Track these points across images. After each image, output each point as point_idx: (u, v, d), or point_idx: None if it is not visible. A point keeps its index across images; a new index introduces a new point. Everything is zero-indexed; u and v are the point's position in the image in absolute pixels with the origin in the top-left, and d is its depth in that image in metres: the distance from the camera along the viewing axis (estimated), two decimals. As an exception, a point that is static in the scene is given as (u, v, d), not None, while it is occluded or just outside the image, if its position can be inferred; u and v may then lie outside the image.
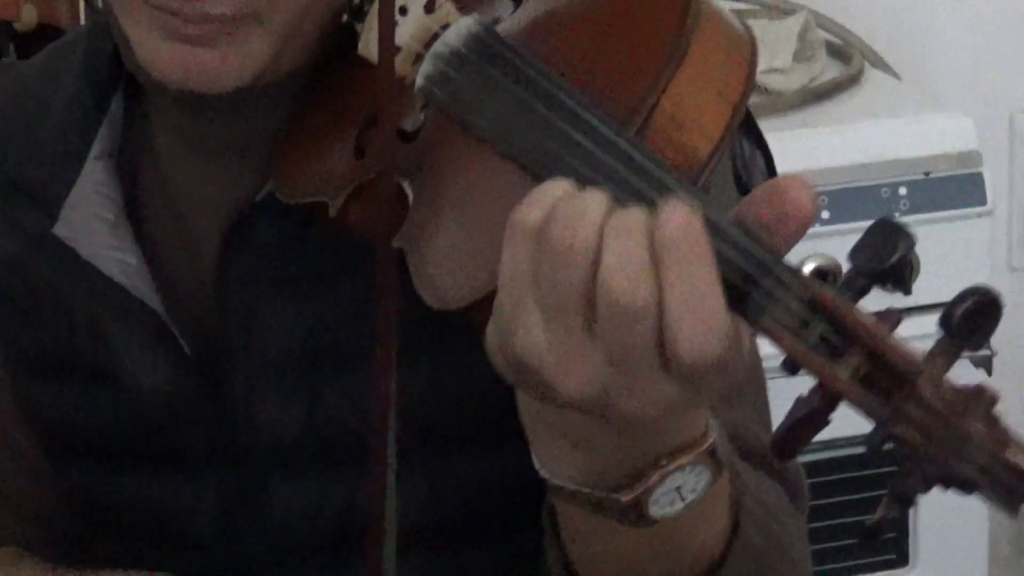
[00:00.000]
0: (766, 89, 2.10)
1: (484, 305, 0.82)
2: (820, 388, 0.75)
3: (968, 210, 1.98)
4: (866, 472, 1.97)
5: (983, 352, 1.91)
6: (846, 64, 2.20)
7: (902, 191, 1.97)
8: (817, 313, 0.75)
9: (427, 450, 1.02)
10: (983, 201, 1.99)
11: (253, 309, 1.03)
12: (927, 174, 1.98)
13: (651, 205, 0.77)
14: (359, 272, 0.98)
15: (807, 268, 1.90)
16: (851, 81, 2.15)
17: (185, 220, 1.07)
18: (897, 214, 1.95)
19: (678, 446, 0.83)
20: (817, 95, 2.11)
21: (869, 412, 0.74)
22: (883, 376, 0.74)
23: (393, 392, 0.89)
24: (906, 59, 2.33)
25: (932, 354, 0.75)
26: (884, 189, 1.97)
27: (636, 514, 0.83)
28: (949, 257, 1.97)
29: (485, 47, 0.88)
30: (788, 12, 2.24)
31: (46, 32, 1.92)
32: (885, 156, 1.98)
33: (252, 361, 1.03)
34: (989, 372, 1.96)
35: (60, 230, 1.06)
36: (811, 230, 2.11)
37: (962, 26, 2.39)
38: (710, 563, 0.91)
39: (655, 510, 0.83)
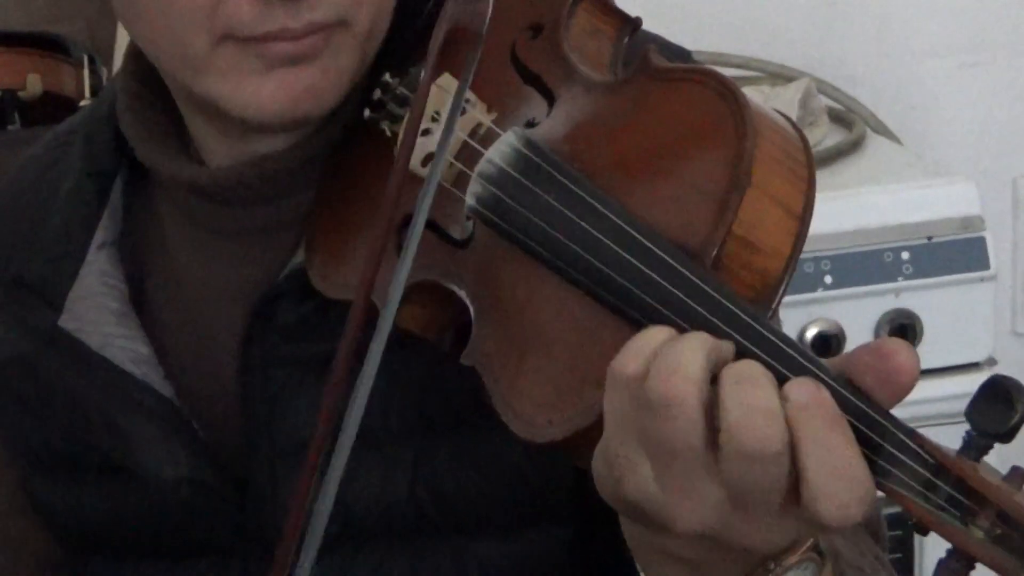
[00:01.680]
0: (768, 155, 2.10)
1: (576, 440, 0.82)
2: (956, 550, 0.76)
3: (971, 274, 1.98)
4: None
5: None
6: (848, 130, 2.20)
7: (905, 256, 1.97)
8: (941, 476, 0.76)
9: (450, 528, 1.02)
10: (986, 265, 1.99)
11: (276, 394, 1.02)
12: (930, 239, 1.98)
13: (723, 337, 0.78)
14: (386, 352, 0.98)
15: (809, 334, 1.90)
16: (853, 147, 2.15)
17: (196, 307, 1.07)
18: (900, 279, 1.95)
19: (784, 547, 0.82)
20: (819, 161, 2.11)
21: (1007, 573, 0.75)
22: (1018, 535, 0.74)
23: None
24: (908, 125, 2.34)
25: None
26: (887, 254, 1.97)
27: None
28: (952, 322, 1.96)
29: (533, 168, 0.87)
30: (790, 79, 2.25)
31: (51, 101, 1.93)
32: (888, 221, 1.98)
33: (276, 446, 1.02)
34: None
35: (67, 322, 1.06)
36: (814, 294, 2.12)
37: (964, 92, 2.39)
38: None
39: None
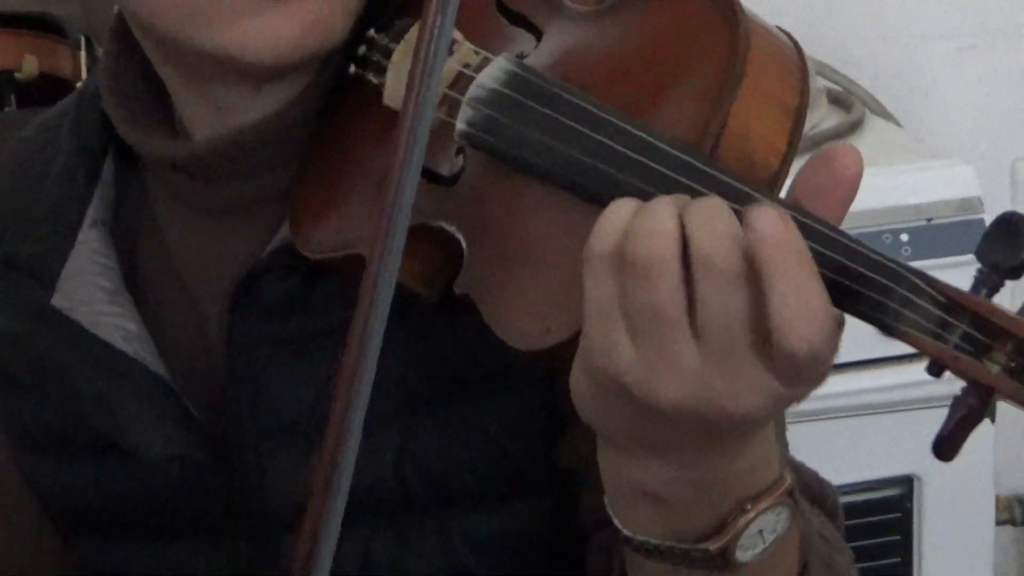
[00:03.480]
0: (767, 136, 2.10)
1: (571, 344, 0.82)
2: (972, 386, 0.77)
3: (970, 256, 1.97)
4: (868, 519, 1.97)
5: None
6: (847, 112, 2.20)
7: (904, 237, 1.96)
8: (955, 313, 0.76)
9: (434, 503, 1.02)
10: (985, 248, 1.99)
11: (261, 372, 1.02)
12: (929, 221, 1.98)
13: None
14: None
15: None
16: (852, 129, 2.15)
17: (188, 285, 1.07)
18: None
19: (760, 490, 0.83)
20: (818, 143, 2.11)
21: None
22: None
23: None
24: (907, 107, 2.34)
25: None
26: (886, 235, 1.97)
27: (723, 561, 0.83)
28: (951, 304, 1.96)
29: (525, 83, 0.88)
30: (789, 60, 2.25)
31: (47, 82, 1.93)
32: (887, 203, 1.98)
33: (261, 424, 1.03)
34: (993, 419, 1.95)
35: (59, 301, 1.06)
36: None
37: (964, 74, 2.39)
38: None
39: (740, 554, 0.83)
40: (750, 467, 0.83)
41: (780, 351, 0.75)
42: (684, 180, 0.81)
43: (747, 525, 0.83)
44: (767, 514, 0.83)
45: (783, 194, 0.82)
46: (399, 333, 0.98)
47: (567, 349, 0.83)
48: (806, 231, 0.77)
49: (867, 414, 1.98)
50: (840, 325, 0.78)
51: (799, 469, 1.02)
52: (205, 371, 1.05)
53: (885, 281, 0.77)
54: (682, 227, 0.77)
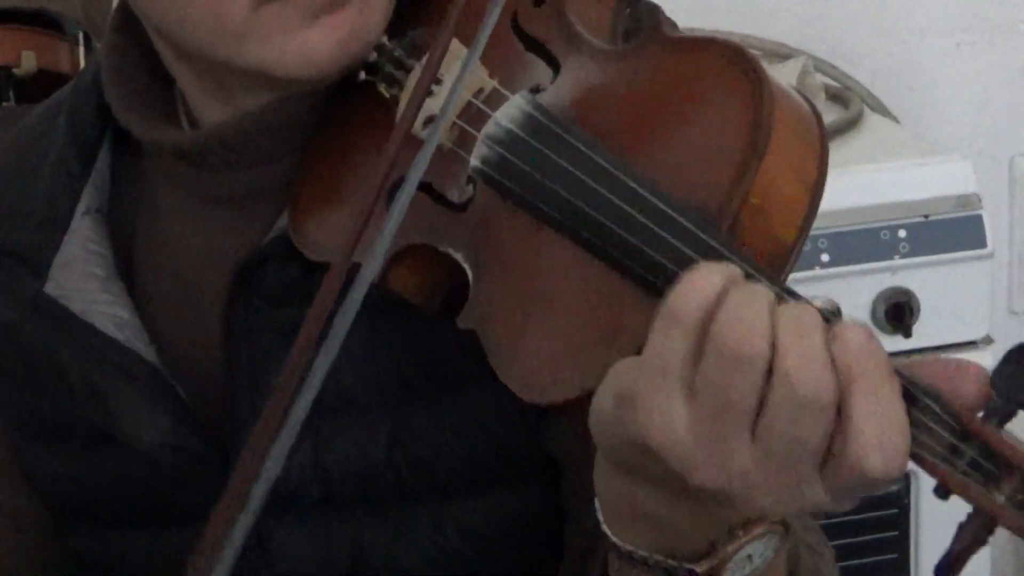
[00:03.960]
0: (765, 133, 2.10)
1: (579, 402, 0.81)
2: (977, 513, 0.76)
3: (968, 252, 1.98)
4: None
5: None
6: (845, 108, 2.20)
7: (902, 234, 1.96)
8: (966, 440, 0.76)
9: (426, 491, 1.03)
10: (983, 244, 1.99)
11: (260, 361, 1.02)
12: (926, 217, 1.98)
13: None
14: (366, 316, 0.99)
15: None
16: (850, 125, 2.15)
17: (185, 274, 1.07)
18: (896, 257, 1.95)
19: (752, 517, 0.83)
20: (817, 139, 2.11)
21: None
22: None
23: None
24: (905, 103, 2.34)
25: None
26: (884, 232, 1.97)
27: None
28: (949, 300, 1.96)
29: (542, 129, 0.87)
30: (787, 56, 2.25)
31: (46, 78, 1.93)
32: (885, 199, 1.98)
33: (258, 413, 1.02)
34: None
35: (51, 289, 1.06)
36: (811, 272, 2.11)
37: (962, 71, 2.39)
38: None
39: None
40: None
41: (857, 470, 0.74)
42: (694, 255, 0.79)
43: (736, 551, 0.82)
44: (757, 541, 0.83)
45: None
46: (389, 323, 0.98)
47: (573, 406, 0.82)
48: None
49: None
50: None
51: None
52: (201, 360, 1.05)
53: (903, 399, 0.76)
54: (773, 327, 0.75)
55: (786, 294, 0.78)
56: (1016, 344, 0.77)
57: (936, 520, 1.97)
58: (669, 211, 0.81)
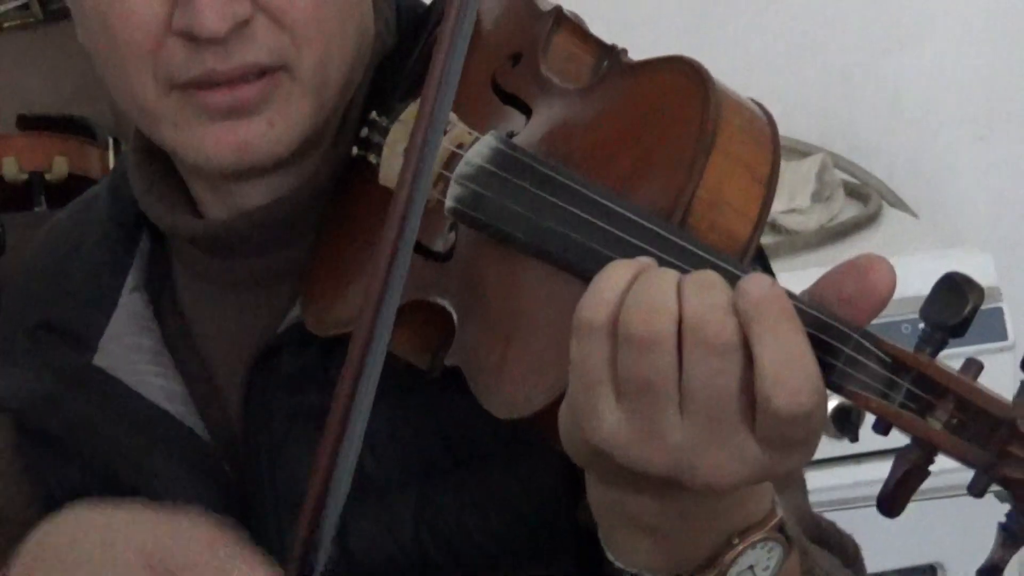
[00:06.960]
0: (785, 229, 2.12)
1: (553, 409, 0.84)
2: (916, 443, 0.78)
3: (989, 345, 1.98)
4: None
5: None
6: (864, 204, 2.22)
7: (923, 327, 1.97)
8: (900, 372, 0.78)
9: (453, 569, 1.03)
10: (1004, 336, 2.00)
11: (278, 445, 1.04)
12: (947, 310, 1.98)
13: None
14: (382, 400, 1.00)
15: (830, 404, 1.90)
16: (869, 220, 2.16)
17: (206, 360, 1.09)
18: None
19: (749, 525, 0.85)
20: (836, 234, 2.13)
21: (966, 459, 0.77)
22: (976, 423, 0.77)
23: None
24: (923, 196, 2.35)
25: (1021, 395, 0.78)
26: (905, 325, 1.97)
27: None
28: (971, 392, 1.96)
29: (509, 161, 0.90)
30: (806, 154, 2.27)
31: (76, 183, 1.95)
32: (905, 293, 1.96)
33: (279, 495, 1.04)
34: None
35: (100, 361, 1.08)
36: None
37: (979, 163, 2.41)
38: None
39: None
40: (737, 501, 0.84)
41: (768, 410, 0.76)
42: (657, 252, 0.82)
43: (735, 559, 0.84)
44: (757, 549, 0.85)
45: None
46: (411, 402, 1.00)
47: (548, 417, 0.85)
48: None
49: (889, 503, 1.98)
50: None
51: (818, 519, 1.04)
52: (226, 443, 1.07)
53: (833, 342, 0.79)
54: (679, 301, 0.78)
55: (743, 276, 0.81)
56: (944, 274, 0.80)
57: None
58: (619, 208, 0.84)
